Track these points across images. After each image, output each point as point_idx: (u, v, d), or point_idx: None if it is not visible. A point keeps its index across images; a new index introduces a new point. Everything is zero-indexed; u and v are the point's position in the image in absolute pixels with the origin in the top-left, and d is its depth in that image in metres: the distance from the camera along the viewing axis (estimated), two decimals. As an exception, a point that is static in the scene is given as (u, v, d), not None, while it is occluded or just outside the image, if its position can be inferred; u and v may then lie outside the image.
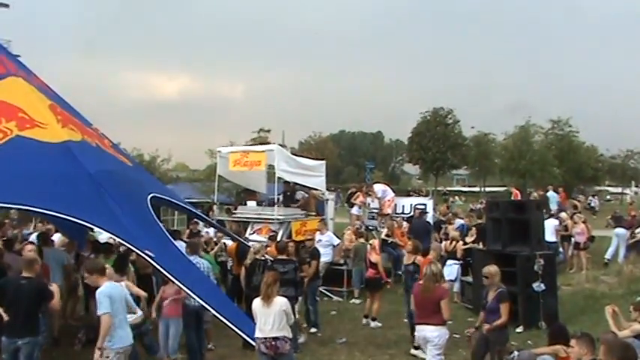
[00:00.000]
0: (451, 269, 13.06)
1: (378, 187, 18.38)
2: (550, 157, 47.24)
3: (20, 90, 9.90)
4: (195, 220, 14.96)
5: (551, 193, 24.37)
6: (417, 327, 7.75)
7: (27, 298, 7.04)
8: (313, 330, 10.91)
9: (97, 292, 6.70)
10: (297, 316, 9.82)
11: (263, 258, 10.60)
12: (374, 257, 11.80)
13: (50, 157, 8.99)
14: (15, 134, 9.00)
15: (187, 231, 14.75)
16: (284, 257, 10.04)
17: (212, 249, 12.68)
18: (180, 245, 10.45)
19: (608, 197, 58.71)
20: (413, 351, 9.44)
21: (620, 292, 11.87)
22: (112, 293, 6.70)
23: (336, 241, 14.54)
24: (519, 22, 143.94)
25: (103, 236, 11.25)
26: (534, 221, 11.12)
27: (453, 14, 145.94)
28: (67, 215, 8.14)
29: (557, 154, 48.74)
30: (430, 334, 7.49)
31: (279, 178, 15.14)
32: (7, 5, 27.75)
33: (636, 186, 52.44)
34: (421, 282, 7.94)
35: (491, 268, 8.09)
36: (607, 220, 20.38)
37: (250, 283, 10.22)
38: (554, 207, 21.53)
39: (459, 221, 17.00)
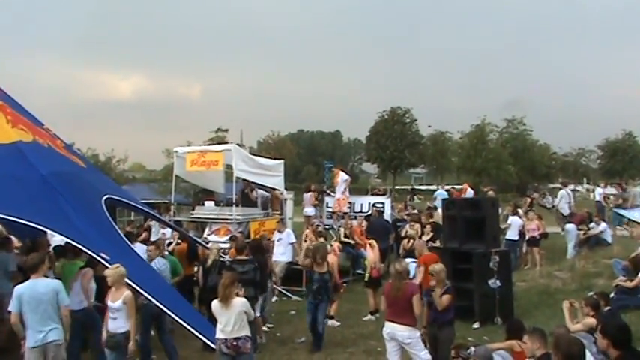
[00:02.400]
0: (409, 267, 13.15)
1: (343, 176, 18.40)
2: (505, 156, 48.17)
3: (-32, 91, 9.65)
4: (149, 224, 14.80)
5: (439, 192, 25.34)
6: (387, 323, 7.76)
7: None
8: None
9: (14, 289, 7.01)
10: (257, 314, 9.84)
11: (222, 259, 10.56)
12: (331, 259, 11.86)
13: (0, 158, 8.78)
14: (-38, 136, 8.77)
15: (144, 233, 14.53)
16: (243, 257, 9.99)
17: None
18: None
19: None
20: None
21: (573, 287, 12.15)
22: (24, 293, 6.88)
23: (293, 239, 14.56)
24: (478, 18, 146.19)
25: (57, 239, 11.02)
26: (490, 219, 11.30)
27: (413, 10, 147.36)
28: (18, 218, 7.96)
29: (512, 153, 49.75)
30: (400, 333, 7.55)
31: (237, 178, 15.07)
32: None
33: (587, 183, 53.85)
34: (389, 281, 8.02)
35: (437, 266, 8.24)
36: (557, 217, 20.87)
37: (206, 283, 10.20)
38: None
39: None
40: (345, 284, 12.47)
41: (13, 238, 11.01)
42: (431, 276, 8.17)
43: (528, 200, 23.05)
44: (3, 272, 9.19)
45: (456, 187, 24.85)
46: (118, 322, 7.37)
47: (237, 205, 14.84)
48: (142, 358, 8.76)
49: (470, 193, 22.21)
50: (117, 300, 7.36)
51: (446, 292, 7.90)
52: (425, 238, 13.49)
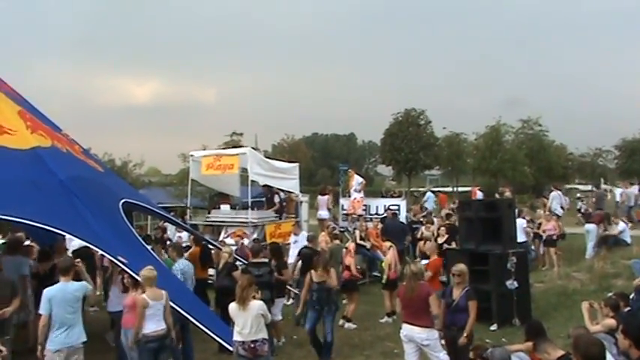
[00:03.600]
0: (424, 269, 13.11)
1: (358, 179, 18.46)
2: (521, 157, 47.85)
3: (-12, 97, 9.77)
4: (163, 226, 14.89)
5: (429, 194, 25.80)
6: (404, 325, 7.73)
7: None
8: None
9: (43, 291, 7.08)
10: (279, 318, 9.86)
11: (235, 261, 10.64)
12: (347, 260, 11.90)
13: (19, 163, 8.90)
14: (-17, 141, 8.88)
15: (161, 232, 14.64)
16: (259, 260, 10.02)
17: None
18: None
19: (579, 195, 59.62)
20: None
21: (591, 289, 12.04)
22: (55, 295, 6.96)
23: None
24: (490, 21, 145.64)
25: (75, 243, 11.11)
26: (506, 220, 11.24)
27: (427, 14, 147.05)
28: (38, 222, 8.04)
29: (528, 153, 49.39)
30: (418, 335, 7.51)
31: (252, 181, 15.11)
32: None
33: (605, 183, 53.30)
34: (404, 283, 8.00)
35: (462, 266, 8.15)
36: (577, 218, 20.74)
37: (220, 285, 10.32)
38: (430, 207, 22.96)
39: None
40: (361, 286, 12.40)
41: (34, 245, 11.17)
42: (457, 276, 8.08)
43: (545, 201, 22.92)
44: (17, 275, 9.30)
45: (443, 189, 25.42)
46: (160, 321, 7.40)
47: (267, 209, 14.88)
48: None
49: (479, 196, 22.32)
50: (158, 299, 7.40)
51: (467, 294, 7.86)
52: (440, 240, 13.44)
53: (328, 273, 9.24)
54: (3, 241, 12.64)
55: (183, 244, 12.72)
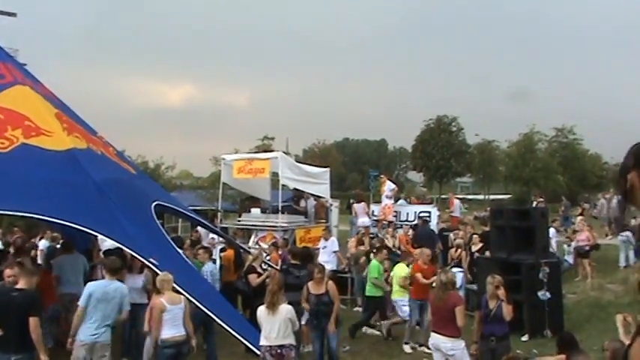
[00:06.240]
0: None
1: (390, 185, 18.43)
2: (554, 165, 47.11)
3: (27, 98, 9.99)
4: (197, 229, 14.99)
5: (400, 201, 24.70)
6: (432, 334, 7.72)
7: (17, 311, 6.50)
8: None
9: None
10: (303, 323, 9.84)
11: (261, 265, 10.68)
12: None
13: (55, 164, 9.05)
14: (21, 142, 9.07)
15: (188, 240, 14.75)
16: (298, 262, 10.01)
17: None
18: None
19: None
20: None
21: (626, 301, 11.79)
22: (95, 290, 7.19)
23: (337, 247, 14.49)
24: (523, 26, 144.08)
25: (107, 243, 11.28)
26: (539, 229, 11.08)
27: (460, 22, 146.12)
28: (72, 223, 8.18)
29: (562, 162, 48.64)
30: (443, 344, 7.47)
31: (283, 185, 15.14)
32: (14, 14, 27.96)
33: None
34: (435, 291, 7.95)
35: (500, 278, 8.04)
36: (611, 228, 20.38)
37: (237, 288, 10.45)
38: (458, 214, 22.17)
39: None
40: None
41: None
42: (496, 288, 7.87)
43: (579, 210, 22.60)
44: (80, 273, 9.78)
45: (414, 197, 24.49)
46: (178, 326, 7.42)
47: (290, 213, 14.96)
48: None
49: (457, 205, 21.87)
50: (177, 303, 7.44)
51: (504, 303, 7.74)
52: (474, 248, 13.29)
53: (326, 285, 8.82)
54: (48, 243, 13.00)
55: (219, 247, 12.88)
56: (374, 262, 11.33)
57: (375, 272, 11.01)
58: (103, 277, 8.11)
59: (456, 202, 22.43)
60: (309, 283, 8.88)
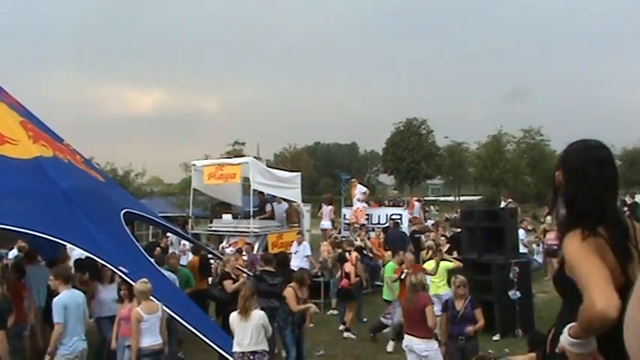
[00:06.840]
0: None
1: (361, 188, 18.53)
2: (523, 166, 47.86)
3: (-10, 107, 9.80)
4: (168, 235, 14.87)
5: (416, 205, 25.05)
6: (405, 336, 7.74)
7: None
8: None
9: (54, 300, 7.02)
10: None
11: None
12: (347, 267, 11.89)
13: (21, 173, 8.89)
14: (-15, 151, 8.88)
15: (158, 248, 14.59)
16: (272, 269, 9.89)
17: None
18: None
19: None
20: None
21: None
22: (69, 302, 6.97)
23: (309, 251, 14.47)
24: (492, 25, 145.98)
25: (76, 252, 11.12)
26: (508, 229, 11.21)
27: (429, 27, 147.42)
28: (40, 232, 8.01)
29: (530, 163, 49.41)
30: (417, 346, 7.48)
31: (254, 190, 15.10)
32: None
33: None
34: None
35: (463, 278, 8.22)
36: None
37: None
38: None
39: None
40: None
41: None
42: (463, 288, 8.04)
43: (547, 210, 22.93)
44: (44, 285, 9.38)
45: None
46: (155, 335, 7.29)
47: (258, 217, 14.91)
48: None
49: (417, 207, 22.11)
50: (154, 312, 7.30)
51: (472, 303, 7.85)
52: (443, 249, 13.40)
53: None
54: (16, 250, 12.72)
55: (188, 253, 12.80)
56: (390, 262, 11.36)
57: (390, 273, 11.04)
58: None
59: (416, 204, 22.67)
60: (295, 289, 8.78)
